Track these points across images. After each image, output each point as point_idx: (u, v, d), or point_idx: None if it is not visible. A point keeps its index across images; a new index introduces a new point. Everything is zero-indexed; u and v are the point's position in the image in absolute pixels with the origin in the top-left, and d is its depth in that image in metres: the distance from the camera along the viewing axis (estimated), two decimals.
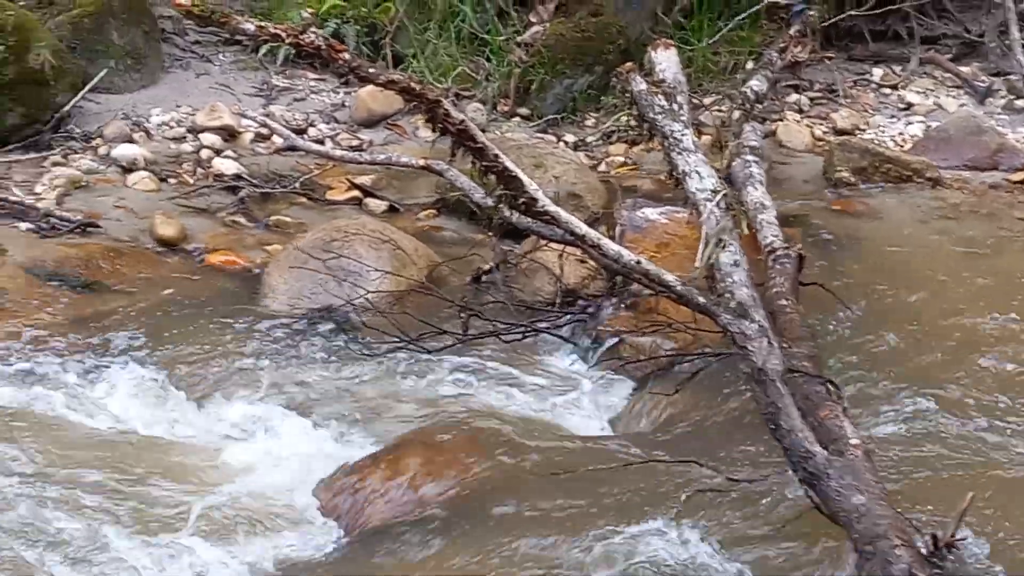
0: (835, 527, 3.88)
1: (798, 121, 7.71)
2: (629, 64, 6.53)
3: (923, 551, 3.67)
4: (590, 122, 7.69)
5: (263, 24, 5.27)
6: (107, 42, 7.52)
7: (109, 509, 4.44)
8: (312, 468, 4.76)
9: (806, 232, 6.15)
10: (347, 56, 5.18)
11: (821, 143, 7.52)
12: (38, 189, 6.59)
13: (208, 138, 7.18)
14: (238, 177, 6.86)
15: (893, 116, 7.89)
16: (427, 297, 5.72)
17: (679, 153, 6.04)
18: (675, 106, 6.28)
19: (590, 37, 7.67)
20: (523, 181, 5.33)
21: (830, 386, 4.41)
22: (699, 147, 6.14)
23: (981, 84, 8.04)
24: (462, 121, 5.30)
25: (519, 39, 7.82)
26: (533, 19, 7.95)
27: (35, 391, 5.11)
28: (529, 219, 5.59)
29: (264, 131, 7.20)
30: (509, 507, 4.34)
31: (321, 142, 7.30)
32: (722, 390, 5.01)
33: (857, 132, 7.66)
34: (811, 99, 7.95)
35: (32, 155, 6.90)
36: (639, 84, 6.34)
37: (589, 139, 7.56)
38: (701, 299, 4.97)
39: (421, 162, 6.09)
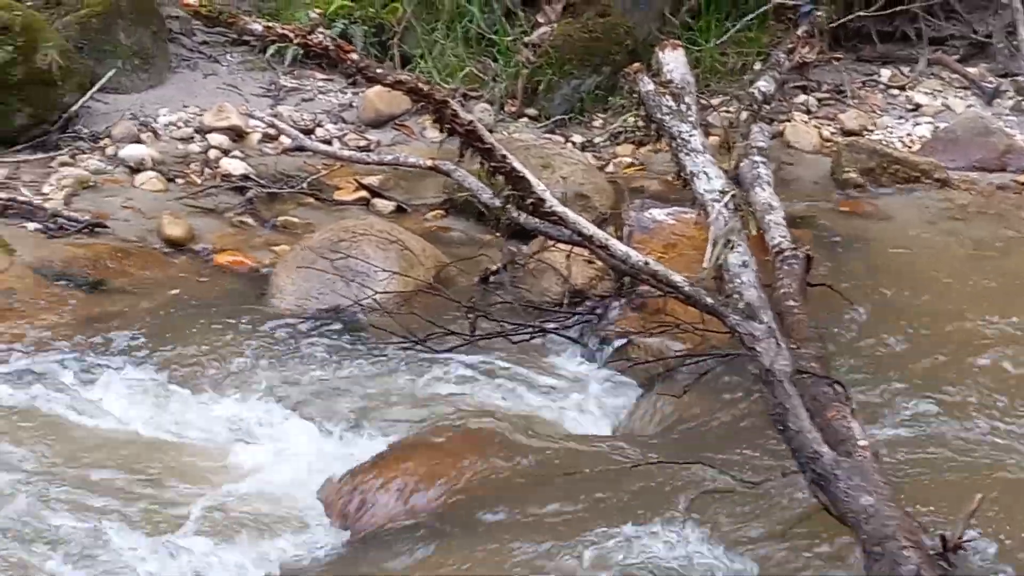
0: (843, 528, 3.87)
1: (806, 122, 7.70)
2: (637, 65, 6.53)
3: (931, 552, 3.67)
4: (598, 123, 7.69)
5: (271, 24, 5.26)
6: (115, 42, 7.53)
7: (114, 509, 4.44)
8: (317, 469, 4.74)
9: (814, 233, 6.15)
10: (355, 56, 5.18)
11: (829, 144, 7.51)
12: (46, 189, 6.59)
13: (216, 138, 7.19)
14: (246, 177, 6.86)
15: (901, 117, 7.88)
16: (435, 298, 5.72)
17: (687, 154, 6.03)
18: (683, 107, 6.27)
19: (598, 38, 7.67)
20: (531, 182, 5.32)
21: (838, 387, 4.41)
22: (707, 148, 6.12)
23: (989, 85, 8.03)
24: (470, 122, 5.30)
25: (526, 40, 7.83)
26: (541, 20, 7.95)
27: (42, 391, 5.11)
28: (537, 220, 5.59)
29: (272, 131, 7.21)
30: (515, 509, 4.32)
31: (329, 142, 7.30)
32: (730, 391, 5.00)
33: (865, 133, 7.65)
34: (819, 100, 7.94)
35: (40, 155, 6.92)
36: (647, 85, 6.33)
37: (597, 140, 7.55)
38: (709, 300, 4.96)
39: (429, 163, 6.10)
